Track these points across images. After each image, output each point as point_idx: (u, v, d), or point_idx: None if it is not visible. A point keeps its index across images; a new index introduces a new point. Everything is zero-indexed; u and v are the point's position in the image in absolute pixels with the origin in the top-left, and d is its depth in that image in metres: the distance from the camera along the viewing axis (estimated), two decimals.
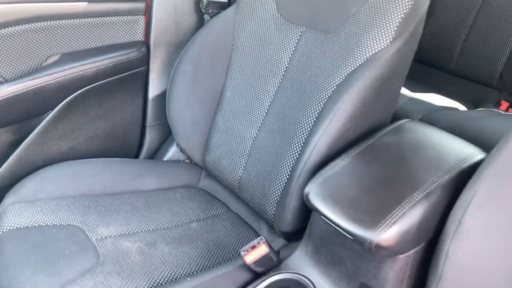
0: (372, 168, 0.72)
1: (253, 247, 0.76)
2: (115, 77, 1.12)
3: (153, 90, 1.22)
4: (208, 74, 1.09)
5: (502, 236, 0.63)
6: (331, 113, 0.79)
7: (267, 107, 1.00)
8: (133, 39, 1.16)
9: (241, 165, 1.03)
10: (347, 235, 0.65)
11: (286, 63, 0.98)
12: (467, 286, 0.66)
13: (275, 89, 0.99)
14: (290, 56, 0.97)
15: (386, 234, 0.62)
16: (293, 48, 0.97)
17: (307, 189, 0.71)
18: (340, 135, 0.78)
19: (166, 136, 1.27)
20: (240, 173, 1.03)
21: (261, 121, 1.00)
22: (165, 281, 0.79)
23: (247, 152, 1.02)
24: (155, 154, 1.27)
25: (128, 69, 1.14)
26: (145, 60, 1.17)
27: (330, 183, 0.71)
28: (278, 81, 0.99)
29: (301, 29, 0.96)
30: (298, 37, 0.97)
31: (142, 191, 1.06)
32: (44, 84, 1.01)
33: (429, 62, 1.58)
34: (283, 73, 0.98)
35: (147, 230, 0.92)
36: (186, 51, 1.11)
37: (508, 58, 1.38)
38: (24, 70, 1.02)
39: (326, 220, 0.68)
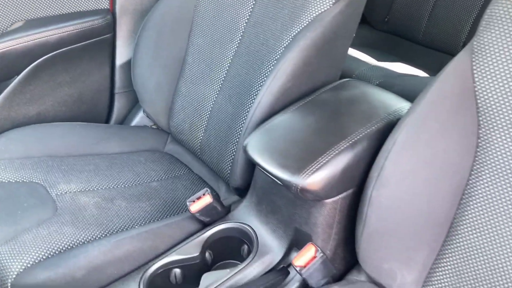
0: (307, 121, 0.76)
1: (199, 198, 0.81)
2: (81, 43, 1.15)
3: (120, 57, 1.25)
4: (170, 40, 1.12)
5: (419, 181, 0.67)
6: (274, 72, 0.83)
7: (226, 72, 1.03)
8: (98, 7, 1.18)
9: (201, 128, 1.06)
10: (278, 181, 0.70)
11: (243, 27, 1.01)
12: (389, 229, 0.71)
13: (232, 54, 1.02)
14: (246, 20, 1.00)
15: (310, 179, 0.67)
16: (249, 13, 1.00)
17: (245, 142, 0.76)
18: (282, 92, 0.82)
19: (135, 103, 1.31)
20: (201, 136, 1.07)
21: (220, 85, 1.04)
22: (117, 231, 0.84)
23: (207, 115, 1.06)
24: (124, 120, 1.31)
25: (93, 36, 1.16)
26: (111, 27, 1.19)
27: (266, 135, 0.75)
28: (235, 46, 1.02)
29: None
30: (253, 1, 0.99)
31: (107, 154, 1.10)
32: (9, 48, 1.04)
33: (398, 32, 1.61)
34: (240, 38, 1.01)
35: (106, 187, 0.97)
36: (149, 18, 1.14)
37: (471, 28, 1.41)
38: None
39: (261, 169, 0.72)
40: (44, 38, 1.08)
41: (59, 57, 1.13)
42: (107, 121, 1.31)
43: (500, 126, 0.62)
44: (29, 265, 0.73)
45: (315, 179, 0.67)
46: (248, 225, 0.81)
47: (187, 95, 1.10)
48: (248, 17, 1.00)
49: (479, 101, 0.64)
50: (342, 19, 0.85)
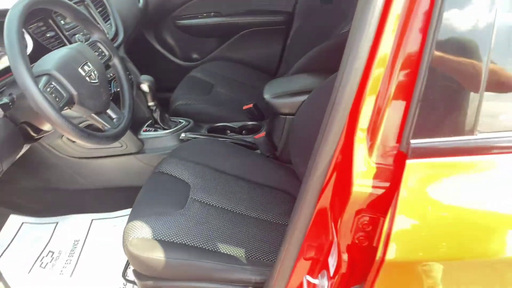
0: (298, 80, 1.49)
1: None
2: (270, 27, 2.11)
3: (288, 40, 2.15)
4: None
5: (313, 121, 1.33)
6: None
7: None
8: (286, 10, 2.10)
9: None
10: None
11: None
12: (298, 143, 1.38)
13: None
14: None
15: (273, 100, 1.43)
16: None
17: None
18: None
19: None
20: None
21: None
22: None
23: None
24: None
25: (278, 25, 2.10)
26: (288, 22, 2.10)
27: (273, 83, 1.53)
28: None
29: None
30: None
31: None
32: (238, 21, 2.11)
33: None
34: None
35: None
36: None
37: None
38: (230, 12, 2.14)
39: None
40: (252, 20, 2.09)
41: (256, 31, 2.12)
42: (275, 73, 2.23)
43: None
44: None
45: (275, 101, 1.43)
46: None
47: None
48: None
49: None
50: None
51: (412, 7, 0.58)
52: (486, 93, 0.58)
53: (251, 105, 1.65)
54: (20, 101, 1.04)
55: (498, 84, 0.58)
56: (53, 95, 0.98)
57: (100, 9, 1.59)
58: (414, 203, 0.59)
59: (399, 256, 0.59)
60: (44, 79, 0.98)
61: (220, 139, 1.55)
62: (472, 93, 0.58)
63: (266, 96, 1.44)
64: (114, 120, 1.18)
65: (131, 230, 1.10)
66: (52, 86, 0.99)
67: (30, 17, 1.24)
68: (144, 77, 1.51)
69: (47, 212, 1.65)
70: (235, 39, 2.17)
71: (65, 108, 1.02)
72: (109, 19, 1.62)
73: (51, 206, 1.67)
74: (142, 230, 1.10)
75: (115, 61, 1.26)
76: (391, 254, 0.59)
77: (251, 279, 1.06)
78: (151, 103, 1.56)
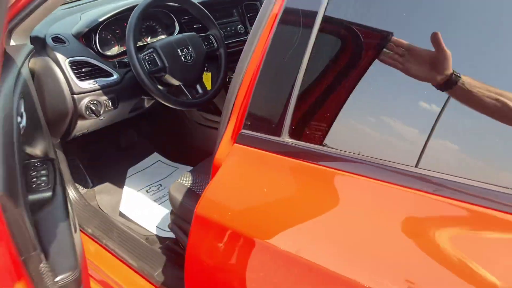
0: None
1: None
2: None
3: None
4: None
5: None
6: None
7: None
8: None
9: None
10: None
11: None
12: None
13: None
14: None
15: None
16: None
17: None
18: None
19: None
20: None
21: None
22: None
23: None
24: None
25: None
26: None
27: None
28: None
29: None
30: None
31: None
32: None
33: None
34: None
35: None
36: None
37: None
38: None
39: None
40: None
41: None
42: None
43: None
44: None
45: None
46: None
47: None
48: None
49: None
50: None
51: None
52: (296, 103, 0.68)
53: None
54: None
55: (307, 99, 0.68)
56: (149, 62, 1.41)
57: (251, 14, 1.96)
58: (223, 176, 0.74)
59: (203, 212, 0.75)
60: (148, 50, 1.42)
61: None
62: (283, 102, 0.69)
63: None
64: (197, 95, 1.54)
65: (182, 176, 1.45)
66: (152, 56, 1.42)
67: (187, 12, 1.71)
68: None
69: (175, 159, 2.16)
70: None
71: (156, 74, 1.43)
72: None
73: (179, 155, 2.18)
74: (186, 179, 1.44)
75: (221, 52, 1.61)
76: (199, 209, 0.76)
77: None
78: None
